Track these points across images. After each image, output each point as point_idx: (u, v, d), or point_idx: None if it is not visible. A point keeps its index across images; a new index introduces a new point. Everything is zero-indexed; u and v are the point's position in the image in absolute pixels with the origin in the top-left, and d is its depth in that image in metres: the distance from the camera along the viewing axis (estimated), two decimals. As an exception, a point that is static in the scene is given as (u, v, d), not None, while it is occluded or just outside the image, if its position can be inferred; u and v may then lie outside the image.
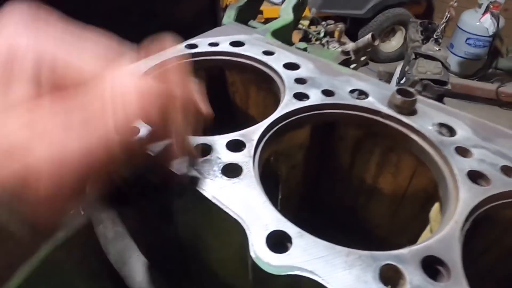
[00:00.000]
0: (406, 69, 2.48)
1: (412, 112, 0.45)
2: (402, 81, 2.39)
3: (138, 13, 0.41)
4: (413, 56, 2.51)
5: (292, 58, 0.54)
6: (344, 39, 2.94)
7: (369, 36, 0.89)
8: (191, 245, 0.49)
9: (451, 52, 3.63)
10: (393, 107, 0.46)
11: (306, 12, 2.29)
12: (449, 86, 2.44)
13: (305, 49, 0.75)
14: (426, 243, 0.31)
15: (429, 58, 2.49)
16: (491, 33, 3.40)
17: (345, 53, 0.86)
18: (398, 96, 0.45)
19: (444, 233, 0.32)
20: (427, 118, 0.44)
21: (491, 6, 3.29)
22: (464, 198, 0.35)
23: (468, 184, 0.36)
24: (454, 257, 0.30)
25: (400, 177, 0.50)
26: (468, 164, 0.38)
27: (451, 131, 0.43)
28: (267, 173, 0.57)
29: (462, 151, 0.40)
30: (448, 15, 2.65)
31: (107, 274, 0.52)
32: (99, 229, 0.53)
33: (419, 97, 0.46)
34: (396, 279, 0.29)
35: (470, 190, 0.36)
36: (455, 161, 0.38)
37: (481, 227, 0.40)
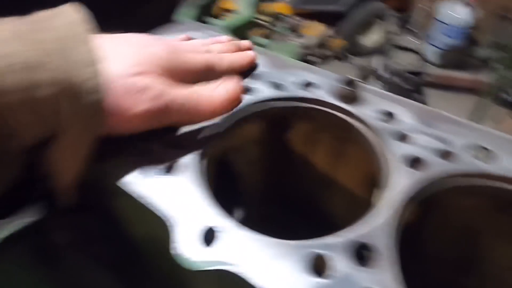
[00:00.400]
0: (384, 61, 2.52)
1: (357, 101, 0.45)
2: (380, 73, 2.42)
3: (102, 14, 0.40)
4: (391, 49, 2.54)
5: (243, 53, 0.54)
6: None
7: (329, 31, 0.90)
8: (143, 247, 0.48)
9: (429, 43, 3.67)
10: (339, 97, 0.46)
11: (282, 9, 2.29)
12: (427, 77, 2.48)
13: (263, 45, 0.75)
14: (356, 229, 0.31)
15: (407, 50, 2.52)
16: (468, 24, 3.44)
17: (306, 47, 0.86)
18: (342, 86, 0.45)
19: (376, 218, 0.32)
20: (371, 106, 0.44)
21: (467, -3, 3.33)
22: (400, 183, 0.35)
23: (405, 169, 0.36)
24: (385, 242, 0.30)
25: (350, 166, 0.50)
26: (407, 149, 0.38)
27: (393, 118, 0.43)
28: (225, 170, 0.56)
29: (402, 137, 0.40)
30: (425, 7, 2.68)
31: (60, 282, 0.51)
32: (53, 236, 0.52)
33: (363, 86, 0.46)
34: (325, 266, 0.29)
35: (406, 175, 0.36)
36: (394, 147, 0.39)
37: (423, 212, 0.41)
